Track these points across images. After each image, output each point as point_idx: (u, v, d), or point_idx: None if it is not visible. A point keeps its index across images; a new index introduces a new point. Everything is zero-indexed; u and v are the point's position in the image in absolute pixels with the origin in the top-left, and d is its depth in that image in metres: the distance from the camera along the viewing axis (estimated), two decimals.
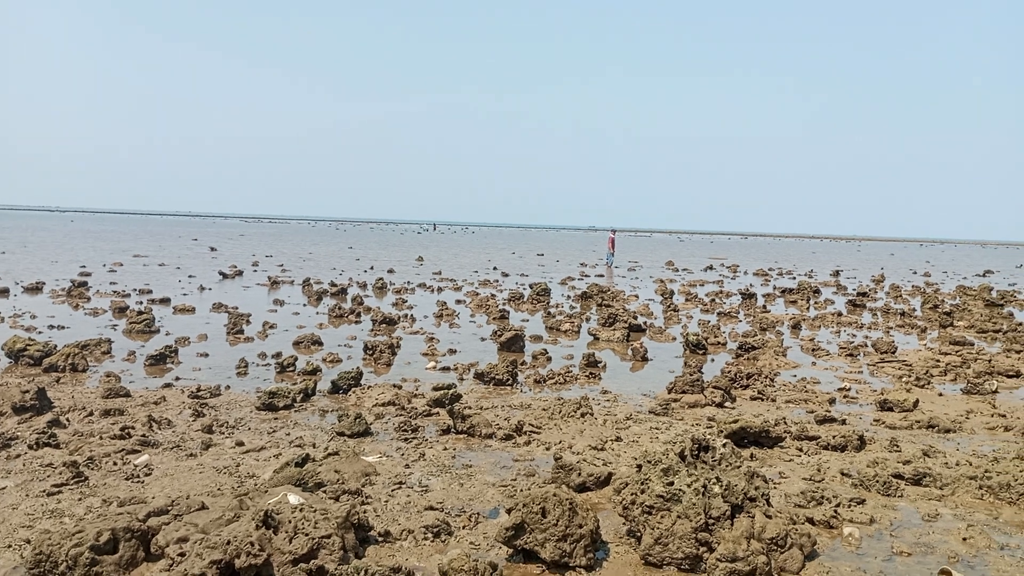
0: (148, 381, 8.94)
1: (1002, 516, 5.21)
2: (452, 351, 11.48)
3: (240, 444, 6.38)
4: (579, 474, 5.52)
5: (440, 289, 22.00)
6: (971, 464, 6.27)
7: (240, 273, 25.24)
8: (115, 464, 5.72)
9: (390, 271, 28.44)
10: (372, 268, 29.94)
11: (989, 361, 11.59)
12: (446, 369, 10.10)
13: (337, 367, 10.00)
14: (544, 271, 32.06)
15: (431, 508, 5.04)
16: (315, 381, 8.57)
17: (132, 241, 48.06)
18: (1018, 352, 12.96)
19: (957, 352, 12.77)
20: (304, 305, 17.26)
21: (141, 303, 16.28)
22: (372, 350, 10.75)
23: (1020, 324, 16.32)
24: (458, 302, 18.47)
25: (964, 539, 4.77)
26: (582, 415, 7.50)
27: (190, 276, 23.75)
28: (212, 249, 40.52)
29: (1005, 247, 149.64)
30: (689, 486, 4.51)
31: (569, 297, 20.81)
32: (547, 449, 6.52)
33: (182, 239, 54.53)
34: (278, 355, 10.39)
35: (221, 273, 24.44)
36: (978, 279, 35.68)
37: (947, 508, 5.34)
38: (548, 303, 18.69)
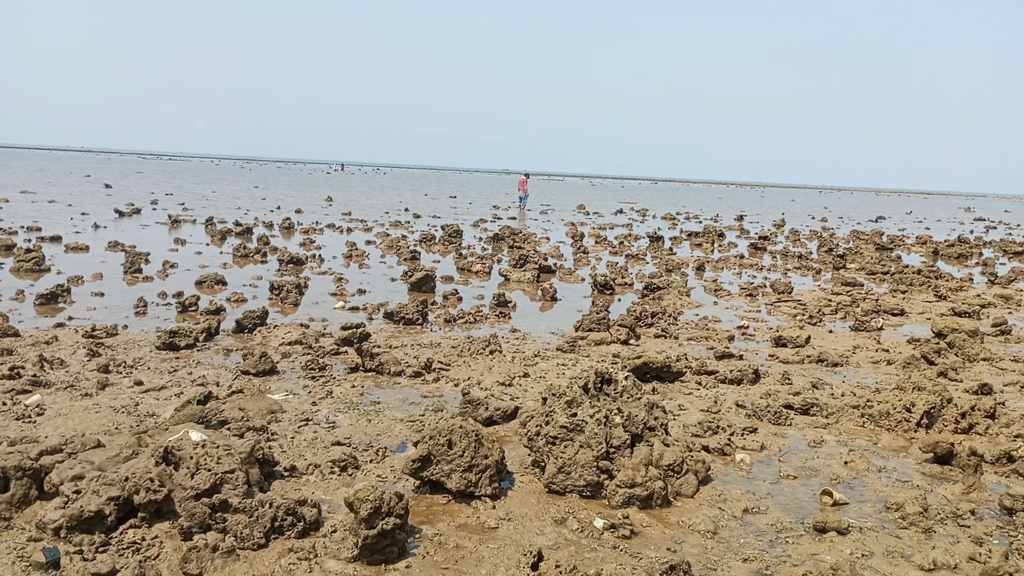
0: (39, 321, 8.54)
1: (881, 442, 5.58)
2: (362, 291, 11.36)
3: (139, 383, 6.19)
4: (486, 408, 5.61)
5: (350, 230, 21.63)
6: (855, 395, 6.66)
7: (138, 211, 24.18)
8: (4, 404, 5.48)
9: (298, 211, 27.76)
10: (279, 208, 29.15)
11: (877, 301, 12.24)
12: (355, 309, 10.01)
13: (242, 307, 9.77)
14: (456, 213, 31.90)
15: (338, 443, 5.04)
16: (219, 320, 8.36)
17: (17, 176, 45.24)
18: (903, 292, 13.73)
19: (848, 292, 13.43)
20: (207, 245, 16.71)
21: (30, 241, 15.43)
22: (279, 290, 10.53)
23: (906, 266, 17.25)
24: (368, 243, 18.22)
25: (846, 463, 5.09)
26: (491, 353, 7.59)
27: (83, 214, 22.61)
28: (107, 186, 38.56)
29: (898, 195, 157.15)
30: (592, 417, 4.65)
31: (481, 239, 20.80)
32: (456, 386, 6.58)
33: (73, 175, 51.66)
34: (179, 295, 10.07)
35: (117, 211, 23.35)
36: (871, 224, 37.41)
37: (831, 435, 5.68)
38: (460, 245, 18.65)
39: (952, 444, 5.14)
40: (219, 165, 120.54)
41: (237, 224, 20.40)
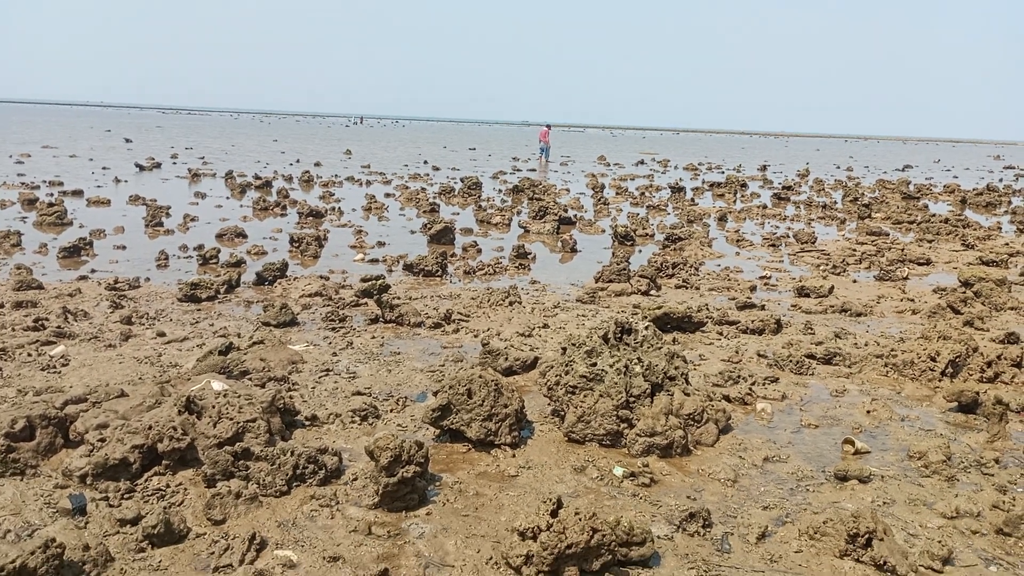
0: (62, 274, 8.61)
1: (904, 391, 5.53)
2: (381, 244, 11.35)
3: (162, 335, 6.24)
4: (506, 359, 5.60)
5: (369, 183, 21.57)
6: (878, 344, 6.58)
7: (158, 165, 24.23)
8: (29, 355, 5.55)
9: (317, 164, 27.68)
10: (298, 161, 29.08)
11: (902, 250, 12.05)
12: (374, 261, 10.01)
13: (262, 259, 9.80)
14: (476, 165, 31.69)
15: (358, 393, 5.07)
16: (239, 273, 8.39)
17: (39, 132, 45.42)
18: (930, 242, 13.52)
19: (873, 242, 13.24)
20: (227, 198, 16.74)
21: (52, 195, 15.51)
22: (298, 242, 10.54)
23: (933, 215, 16.95)
24: (387, 195, 18.16)
25: (868, 412, 5.05)
26: (510, 304, 7.57)
27: (104, 168, 22.69)
28: (127, 141, 38.65)
29: (925, 143, 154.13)
30: (611, 366, 4.62)
31: (500, 191, 20.68)
32: (475, 336, 6.58)
33: (94, 130, 51.80)
34: (200, 247, 10.11)
35: (138, 165, 23.41)
36: (897, 173, 36.76)
37: (854, 385, 5.63)
38: (479, 197, 18.55)
39: (977, 393, 5.07)
40: (238, 119, 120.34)
41: (256, 177, 20.40)
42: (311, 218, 13.66)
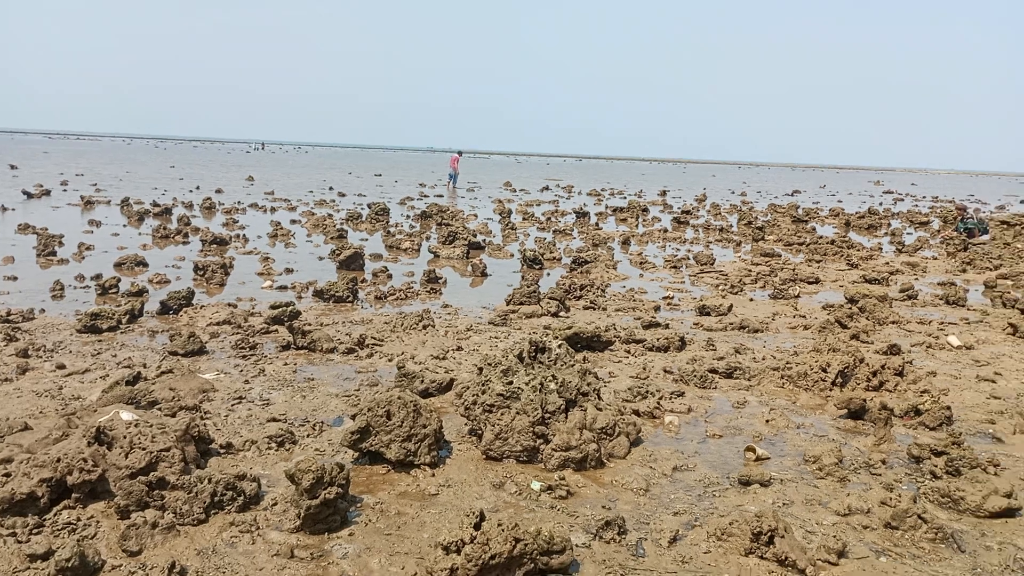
0: None
1: (799, 400, 5.87)
2: (289, 270, 11.22)
3: (61, 367, 6.03)
4: (422, 381, 5.67)
5: (273, 209, 21.23)
6: (775, 358, 6.96)
7: (48, 193, 23.16)
8: None
9: (218, 191, 27.03)
10: (198, 188, 28.32)
11: (793, 270, 12.73)
12: (283, 288, 9.89)
13: (165, 288, 9.55)
14: (382, 191, 31.59)
15: (274, 420, 5.04)
16: (142, 302, 8.16)
17: None
18: (818, 262, 14.31)
19: (767, 263, 13.92)
20: (124, 226, 16.19)
21: None
22: (203, 270, 10.32)
23: (821, 237, 17.93)
24: (293, 222, 17.93)
25: (767, 421, 5.35)
26: (424, 327, 7.63)
27: None
28: (12, 167, 36.75)
29: (812, 169, 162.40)
30: (527, 384, 4.76)
31: (408, 217, 20.71)
32: (390, 360, 6.61)
33: None
34: (98, 277, 9.77)
35: (25, 193, 22.32)
36: (787, 198, 38.63)
37: (754, 396, 5.94)
38: (387, 223, 18.53)
39: (864, 400, 5.45)
40: (131, 144, 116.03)
41: (155, 204, 19.79)
42: (215, 245, 13.36)
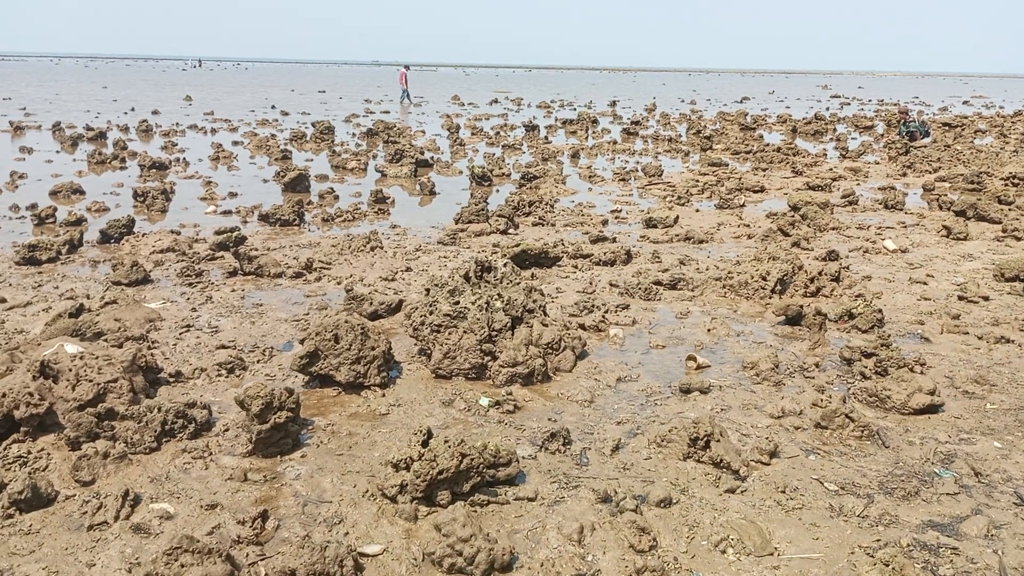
0: None
1: (740, 309, 6.05)
2: (233, 194, 11.01)
3: (2, 301, 5.92)
4: (371, 303, 5.70)
5: (214, 131, 20.62)
6: (718, 268, 7.12)
7: None
8: None
9: (155, 112, 26.07)
10: (133, 110, 27.29)
11: (740, 179, 12.87)
12: (227, 213, 9.73)
13: (105, 216, 9.32)
14: (327, 109, 30.80)
15: (223, 347, 5.05)
16: (81, 232, 7.97)
17: None
18: (764, 170, 14.48)
19: (714, 172, 14.05)
20: (57, 152, 15.62)
21: None
22: (143, 196, 10.07)
23: (767, 145, 18.09)
24: (235, 143, 17.47)
25: (708, 330, 5.52)
26: (372, 249, 7.62)
27: None
28: None
29: (761, 75, 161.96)
30: (473, 303, 4.83)
31: (355, 135, 20.30)
32: (338, 283, 6.61)
33: None
34: (33, 207, 9.48)
35: None
36: (736, 105, 38.65)
37: (696, 306, 6.11)
38: (333, 142, 18.16)
39: (801, 307, 5.64)
40: (59, 64, 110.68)
41: (88, 128, 19.04)
42: (154, 170, 13.00)
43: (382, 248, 7.70)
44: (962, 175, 12.75)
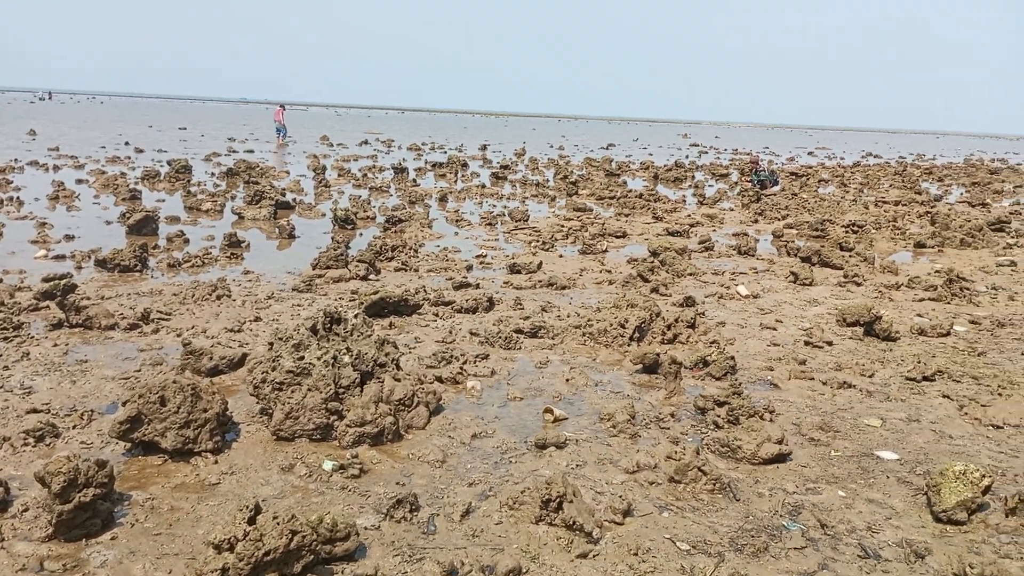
0: None
1: (599, 357, 6.01)
2: (69, 237, 10.19)
3: None
4: (211, 358, 5.28)
5: (57, 167, 19.26)
6: (578, 315, 7.10)
7: None
8: None
9: None
10: None
11: (603, 224, 13.11)
12: (60, 257, 8.96)
13: None
14: (186, 147, 29.53)
15: (34, 411, 4.51)
16: None
17: None
18: (627, 215, 14.84)
19: (579, 217, 14.26)
20: None
21: None
22: None
23: (630, 191, 18.62)
24: (79, 182, 16.33)
25: (567, 380, 5.43)
26: (218, 297, 7.15)
27: None
28: None
29: (627, 122, 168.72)
30: (319, 359, 4.54)
31: (214, 175, 19.46)
32: (178, 336, 6.13)
33: None
34: None
35: None
36: (602, 151, 39.90)
37: (556, 355, 6.02)
38: (189, 181, 17.32)
39: (658, 355, 5.65)
40: None
41: None
42: None
43: (230, 296, 7.24)
44: (808, 222, 13.48)
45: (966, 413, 4.99)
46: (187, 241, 10.30)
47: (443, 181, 20.83)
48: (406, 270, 9.12)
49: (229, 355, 5.37)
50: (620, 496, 3.67)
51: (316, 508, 3.54)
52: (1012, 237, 13.16)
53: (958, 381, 5.61)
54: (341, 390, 4.44)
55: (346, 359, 4.58)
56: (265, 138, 37.41)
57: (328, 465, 3.97)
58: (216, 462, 4.00)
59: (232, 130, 45.05)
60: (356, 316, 4.98)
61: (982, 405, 5.09)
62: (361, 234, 11.74)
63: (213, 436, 4.10)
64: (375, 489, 3.78)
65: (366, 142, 38.87)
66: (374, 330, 5.02)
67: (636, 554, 3.25)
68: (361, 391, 4.49)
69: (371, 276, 8.59)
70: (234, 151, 28.27)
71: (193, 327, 6.35)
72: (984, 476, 3.65)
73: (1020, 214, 16.77)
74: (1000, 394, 5.33)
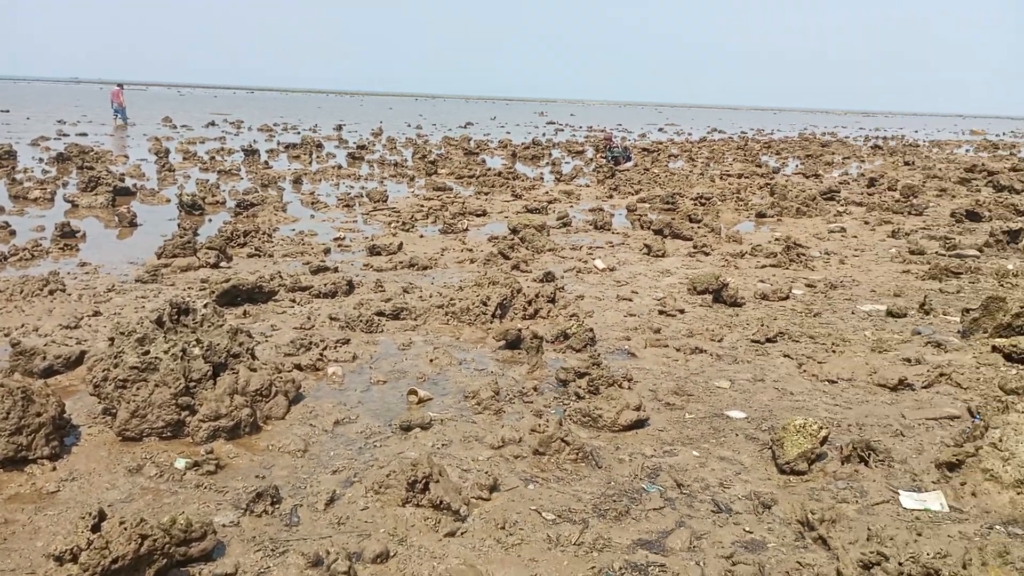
0: None
1: (462, 336, 6.02)
2: None
3: None
4: (44, 357, 4.89)
5: None
6: (441, 295, 7.07)
7: None
8: None
9: None
10: None
11: (463, 203, 13.10)
12: None
13: None
14: (9, 131, 27.13)
15: None
16: None
17: None
18: (486, 194, 14.90)
19: (439, 197, 14.19)
20: None
21: None
22: None
23: (489, 169, 18.71)
24: None
25: (431, 360, 5.40)
26: (51, 292, 6.63)
27: None
28: None
29: (485, 101, 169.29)
30: (167, 352, 4.30)
31: (43, 160, 17.99)
32: (5, 335, 5.64)
33: None
34: None
35: None
36: (460, 130, 39.84)
37: (420, 336, 5.98)
38: (14, 168, 15.93)
39: (520, 330, 5.72)
40: None
41: None
42: None
43: (64, 290, 6.73)
44: (659, 196, 13.99)
45: (804, 370, 5.35)
46: (13, 233, 9.47)
47: (297, 163, 20.18)
48: (260, 256, 8.78)
49: (65, 353, 5.00)
50: (486, 472, 3.70)
51: (169, 509, 3.36)
52: (841, 205, 14.18)
53: (797, 341, 6.00)
54: (192, 384, 4.23)
55: (196, 351, 4.36)
56: (100, 120, 35.00)
57: (181, 463, 3.78)
58: (54, 469, 3.72)
59: (63, 112, 41.78)
60: (206, 306, 4.75)
61: (818, 362, 5.47)
62: (210, 220, 11.20)
63: (50, 441, 3.80)
64: (233, 484, 3.62)
65: (213, 123, 37.07)
66: (227, 320, 4.81)
67: (504, 528, 3.29)
68: (214, 384, 4.29)
69: (222, 263, 8.22)
70: (65, 134, 26.23)
71: (23, 325, 5.85)
72: (821, 428, 3.92)
73: (848, 184, 18.09)
74: (834, 351, 5.74)
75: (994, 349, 5.63)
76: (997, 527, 3.33)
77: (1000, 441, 3.66)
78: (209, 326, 4.66)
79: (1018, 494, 3.49)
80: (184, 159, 19.49)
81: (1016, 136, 56.95)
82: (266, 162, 19.55)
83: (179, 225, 10.32)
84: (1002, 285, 7.86)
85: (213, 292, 6.55)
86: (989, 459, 3.63)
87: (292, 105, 78.87)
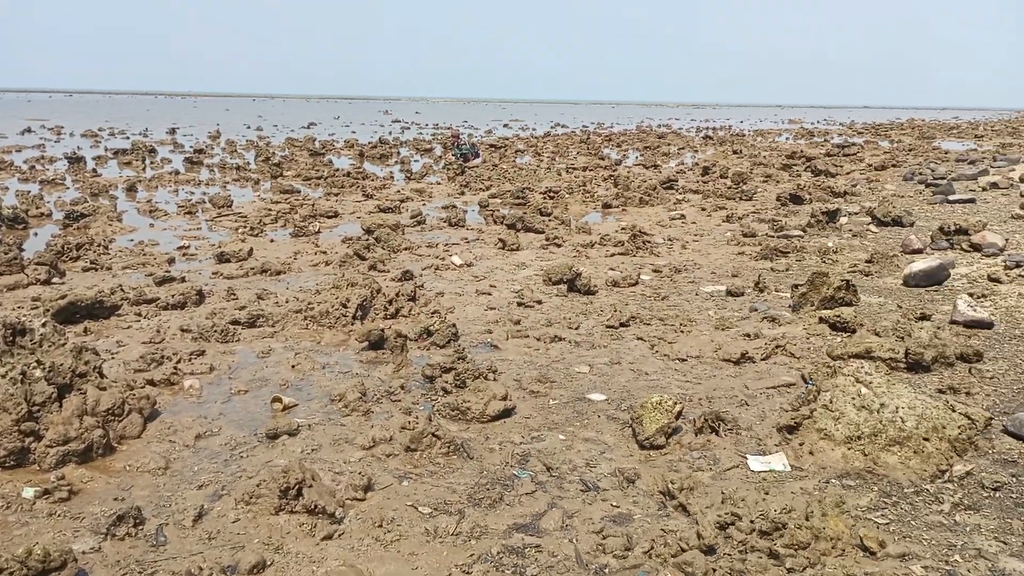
0: None
1: (323, 340, 5.94)
2: None
3: None
4: None
5: None
6: (298, 299, 6.93)
7: None
8: None
9: None
10: None
11: (313, 205, 12.83)
12: None
13: None
14: None
15: None
16: None
17: None
18: (336, 195, 14.66)
19: (287, 200, 13.82)
20: None
21: None
22: None
23: (338, 170, 18.39)
24: None
25: (293, 366, 5.31)
26: None
27: None
28: None
29: (326, 100, 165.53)
30: (4, 376, 4.01)
31: None
32: None
33: None
34: None
35: None
36: (304, 131, 38.85)
37: (279, 343, 5.85)
38: None
39: (382, 330, 5.71)
40: None
41: None
42: None
43: None
44: (509, 191, 14.26)
45: (657, 351, 5.66)
46: None
47: (129, 169, 19.07)
48: (97, 269, 8.27)
49: None
50: (359, 473, 3.70)
51: (21, 541, 3.15)
52: (680, 193, 14.98)
53: (648, 324, 6.33)
54: (35, 408, 3.97)
55: (37, 373, 4.09)
56: None
57: (29, 492, 3.54)
58: None
59: None
60: (44, 324, 4.46)
61: (668, 342, 5.81)
62: (36, 234, 10.42)
63: None
64: (89, 509, 3.44)
65: (29, 130, 34.32)
66: (68, 338, 4.53)
67: (381, 526, 3.31)
68: (60, 406, 4.05)
69: (55, 279, 7.69)
70: None
71: None
72: (676, 403, 4.18)
73: (684, 173, 19.12)
74: (682, 331, 6.10)
75: (821, 320, 6.18)
76: (833, 481, 3.68)
77: (831, 403, 4.05)
78: (50, 346, 4.39)
79: (849, 449, 3.87)
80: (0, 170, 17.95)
81: (828, 123, 61.94)
82: (94, 170, 18.35)
83: (1, 240, 9.54)
84: (824, 262, 8.60)
85: (48, 310, 6.12)
86: (822, 420, 4.01)
87: (117, 108, 74.18)
